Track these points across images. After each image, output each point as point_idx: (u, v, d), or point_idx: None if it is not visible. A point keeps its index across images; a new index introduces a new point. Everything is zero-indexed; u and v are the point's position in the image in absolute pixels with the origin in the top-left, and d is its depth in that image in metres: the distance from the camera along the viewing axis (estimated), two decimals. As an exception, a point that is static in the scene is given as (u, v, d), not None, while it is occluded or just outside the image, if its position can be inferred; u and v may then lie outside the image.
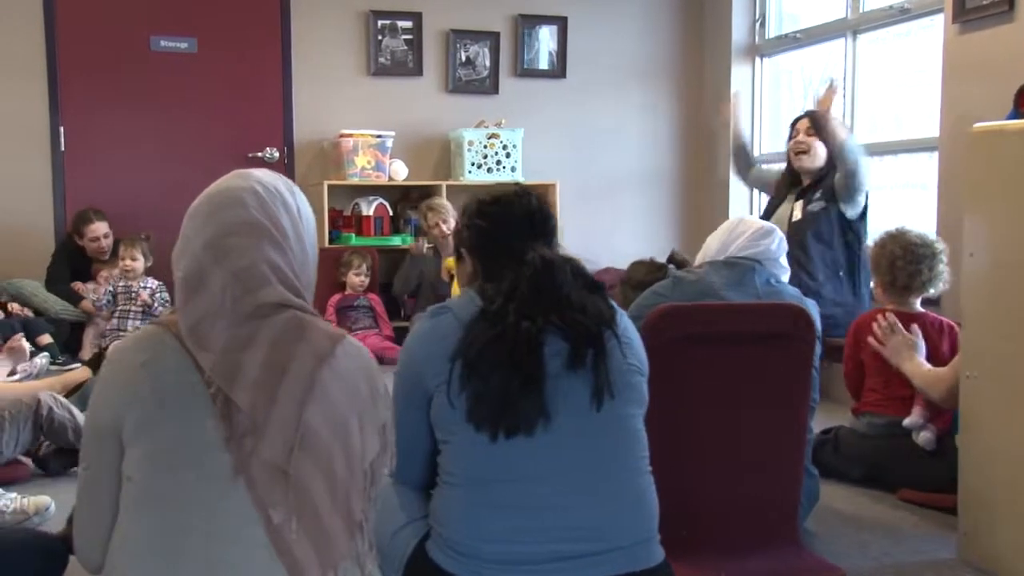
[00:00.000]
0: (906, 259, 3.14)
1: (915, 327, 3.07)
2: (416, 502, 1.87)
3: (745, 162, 5.06)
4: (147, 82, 5.88)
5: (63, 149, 5.76)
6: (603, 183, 6.54)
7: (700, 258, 2.61)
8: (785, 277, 2.56)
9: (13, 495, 2.41)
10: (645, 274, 3.03)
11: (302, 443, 1.42)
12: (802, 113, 4.33)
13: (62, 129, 5.74)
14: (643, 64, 6.67)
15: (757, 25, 6.23)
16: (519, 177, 6.09)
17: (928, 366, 3.00)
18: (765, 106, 6.31)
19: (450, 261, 5.53)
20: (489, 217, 1.91)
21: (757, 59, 6.28)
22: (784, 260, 2.56)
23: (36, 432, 2.89)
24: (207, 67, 5.98)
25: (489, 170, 6.07)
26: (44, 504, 2.48)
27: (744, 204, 6.46)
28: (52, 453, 3.01)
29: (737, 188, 6.45)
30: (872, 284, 3.25)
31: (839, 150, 4.00)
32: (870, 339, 3.08)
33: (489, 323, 1.70)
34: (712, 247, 2.59)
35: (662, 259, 3.26)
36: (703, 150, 6.70)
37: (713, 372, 2.10)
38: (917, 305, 3.25)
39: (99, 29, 5.78)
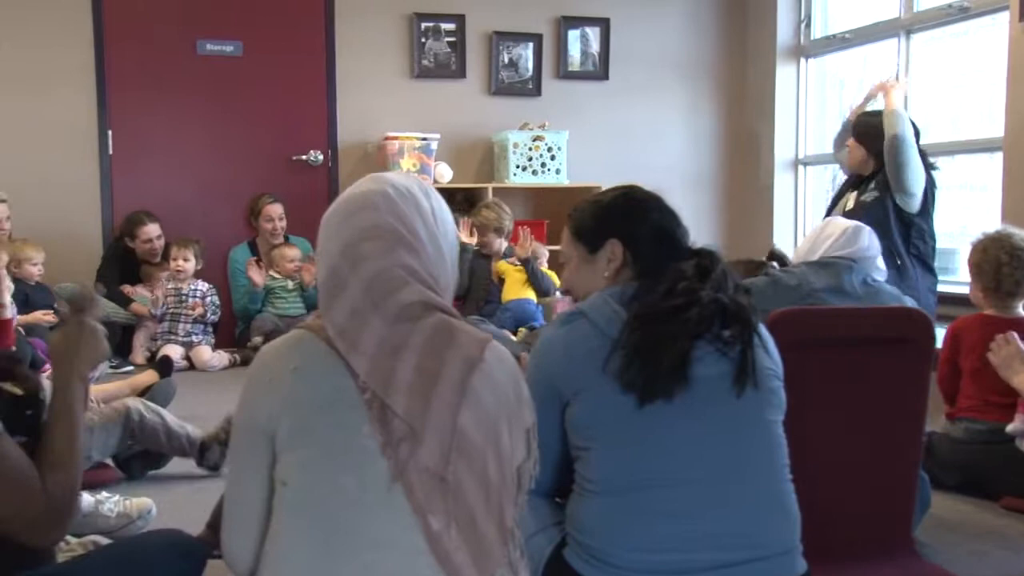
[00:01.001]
0: (1012, 264, 3.03)
1: (1013, 333, 2.99)
2: (544, 508, 1.85)
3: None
4: (193, 86, 5.89)
5: (111, 153, 5.76)
6: (646, 185, 6.46)
7: (794, 260, 2.58)
8: (881, 277, 2.53)
9: (116, 498, 2.41)
10: (744, 274, 3.00)
11: (457, 449, 1.41)
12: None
13: (110, 133, 5.74)
14: (686, 65, 6.65)
15: (802, 26, 6.20)
16: (564, 180, 6.08)
17: None
18: (810, 108, 6.28)
19: (502, 264, 5.51)
20: (652, 210, 1.89)
21: (802, 60, 6.25)
22: (881, 261, 2.52)
23: (125, 438, 2.88)
24: (252, 70, 5.97)
25: (534, 172, 6.05)
26: (147, 506, 2.47)
27: (788, 207, 6.44)
28: (134, 456, 3.00)
29: (781, 191, 6.43)
30: (971, 288, 3.17)
31: (887, 149, 3.99)
32: (989, 355, 2.94)
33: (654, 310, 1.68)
34: (802, 250, 2.56)
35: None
36: (746, 152, 6.67)
37: (830, 377, 2.07)
38: (1020, 310, 3.17)
39: (146, 33, 5.78)
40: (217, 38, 5.92)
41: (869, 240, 2.56)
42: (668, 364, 1.64)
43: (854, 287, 2.45)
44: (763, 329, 1.80)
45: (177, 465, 3.16)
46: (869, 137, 4.11)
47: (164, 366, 3.76)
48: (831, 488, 2.11)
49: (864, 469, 2.14)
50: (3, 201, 4.78)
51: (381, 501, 1.38)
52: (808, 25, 6.16)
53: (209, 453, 3.08)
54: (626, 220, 1.88)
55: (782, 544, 1.70)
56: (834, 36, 5.92)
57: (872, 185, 4.10)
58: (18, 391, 1.70)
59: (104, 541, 1.61)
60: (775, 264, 2.88)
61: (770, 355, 1.78)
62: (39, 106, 5.56)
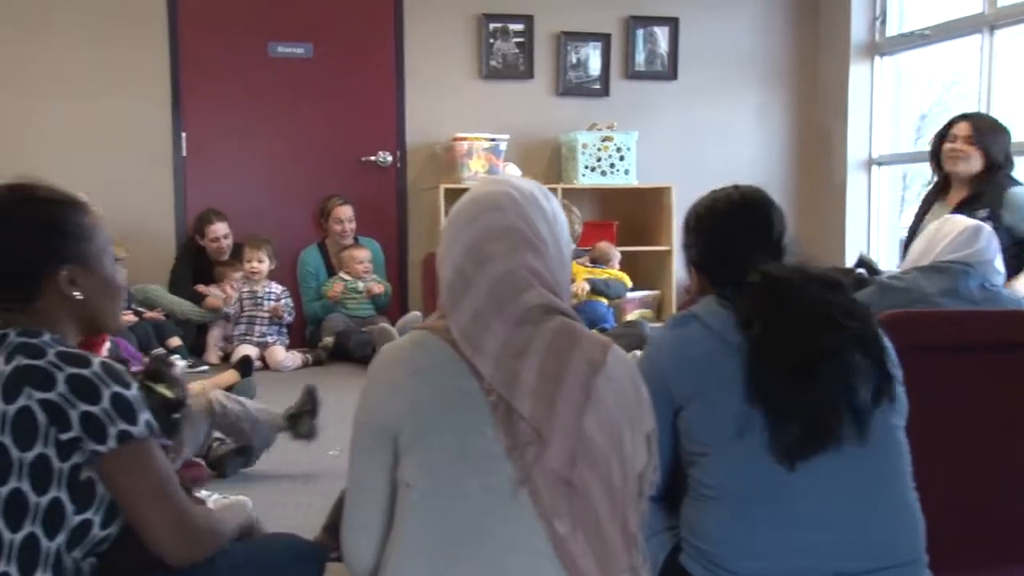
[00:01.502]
0: None
1: None
2: (656, 513, 1.81)
3: None
4: (265, 87, 5.94)
5: (184, 154, 5.83)
6: (716, 186, 6.40)
7: (905, 264, 2.51)
8: (1000, 280, 2.44)
9: (215, 496, 2.42)
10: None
11: (583, 452, 1.39)
12: (959, 115, 4.08)
13: (184, 135, 5.81)
14: (756, 64, 6.56)
15: (877, 23, 6.08)
16: (633, 180, 6.03)
17: None
18: (885, 107, 6.16)
19: (572, 266, 5.47)
20: (707, 232, 1.90)
21: (876, 58, 6.14)
22: (999, 263, 2.43)
23: (211, 431, 2.91)
24: (322, 72, 6.01)
25: (603, 173, 6.01)
26: (243, 504, 2.48)
27: (861, 209, 6.33)
28: (226, 455, 3.03)
29: (854, 191, 6.32)
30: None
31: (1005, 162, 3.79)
32: None
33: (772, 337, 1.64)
34: (916, 251, 2.48)
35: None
36: (818, 152, 6.56)
37: (955, 382, 2.01)
38: None
39: (220, 36, 5.85)
40: (288, 40, 5.97)
41: (988, 241, 2.45)
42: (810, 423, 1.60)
43: (970, 292, 2.36)
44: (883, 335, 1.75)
45: (263, 464, 3.19)
46: (991, 135, 3.82)
47: (245, 365, 3.80)
48: (954, 494, 2.05)
49: (989, 474, 2.08)
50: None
51: (506, 505, 1.37)
52: (884, 22, 6.04)
53: (300, 425, 3.10)
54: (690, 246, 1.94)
55: (909, 553, 1.65)
56: (911, 33, 5.80)
57: (983, 211, 3.63)
58: (169, 394, 1.72)
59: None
60: (863, 272, 2.80)
61: (890, 358, 1.73)
62: (116, 109, 5.65)
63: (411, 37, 6.10)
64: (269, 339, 5.37)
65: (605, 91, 6.38)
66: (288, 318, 5.49)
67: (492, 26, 6.19)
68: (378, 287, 5.67)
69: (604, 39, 6.35)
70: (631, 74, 6.42)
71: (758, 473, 1.63)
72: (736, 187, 1.99)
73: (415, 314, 5.23)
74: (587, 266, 5.48)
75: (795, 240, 1.98)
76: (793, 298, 1.67)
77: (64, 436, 1.38)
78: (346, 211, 5.78)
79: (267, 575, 1.57)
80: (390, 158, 6.13)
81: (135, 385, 1.46)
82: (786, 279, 1.70)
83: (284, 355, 5.26)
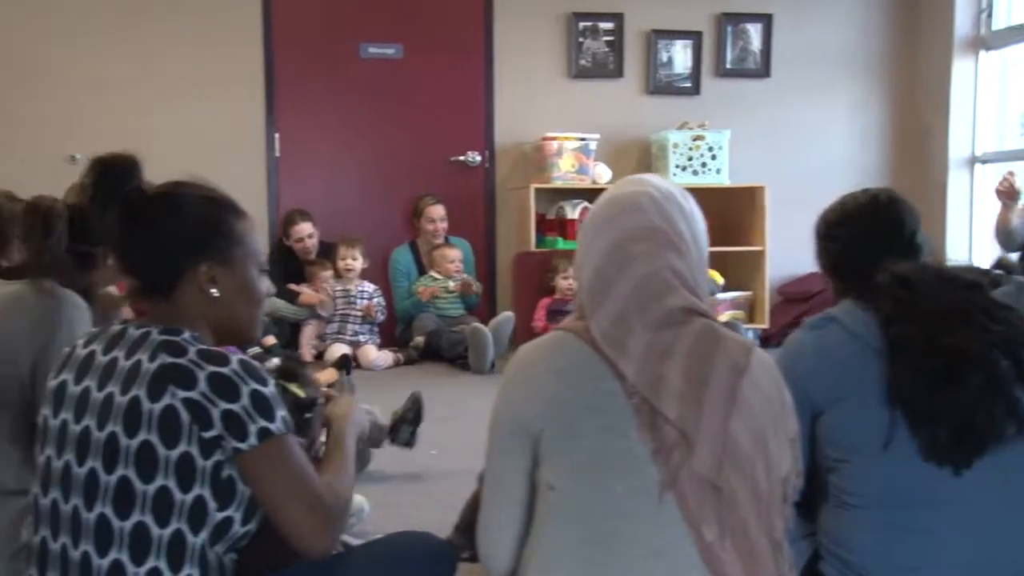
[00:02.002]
0: None
1: None
2: (793, 520, 1.76)
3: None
4: (356, 88, 5.99)
5: (277, 155, 5.91)
6: (811, 185, 6.24)
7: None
8: None
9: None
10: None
11: (729, 457, 1.35)
12: None
13: (277, 136, 5.89)
14: (853, 60, 6.40)
15: (983, 16, 5.88)
16: (725, 180, 5.93)
17: None
18: (989, 103, 5.95)
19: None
20: (838, 236, 1.90)
21: (981, 52, 5.93)
22: None
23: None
24: (412, 72, 6.04)
25: (695, 172, 5.92)
26: (358, 505, 2.48)
27: (963, 208, 6.12)
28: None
29: (956, 190, 6.13)
30: None
31: None
32: None
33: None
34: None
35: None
36: (918, 150, 6.38)
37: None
38: None
39: (313, 38, 5.92)
40: (379, 41, 6.01)
41: None
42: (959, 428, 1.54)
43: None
44: None
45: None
46: None
47: (343, 363, 3.81)
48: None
49: None
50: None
51: (652, 510, 1.33)
52: (990, 15, 5.83)
53: (400, 432, 3.08)
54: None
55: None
56: (1020, 26, 5.58)
57: None
58: (301, 394, 1.73)
59: (354, 541, 1.61)
60: (1001, 272, 2.69)
61: None
62: (212, 109, 5.75)
63: (500, 36, 6.09)
64: (361, 338, 5.41)
65: (696, 89, 6.29)
66: (380, 317, 5.52)
67: (582, 25, 6.15)
68: (474, 284, 5.66)
69: (695, 37, 6.26)
70: (722, 72, 6.32)
71: (907, 480, 1.57)
72: (865, 190, 1.98)
73: (508, 314, 5.21)
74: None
75: (928, 238, 1.93)
76: (931, 297, 1.61)
77: (207, 434, 1.38)
78: (438, 210, 5.79)
79: (402, 573, 1.56)
80: (479, 158, 6.13)
81: (272, 382, 1.46)
82: (923, 279, 1.65)
83: (376, 354, 5.29)
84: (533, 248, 5.76)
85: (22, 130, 5.53)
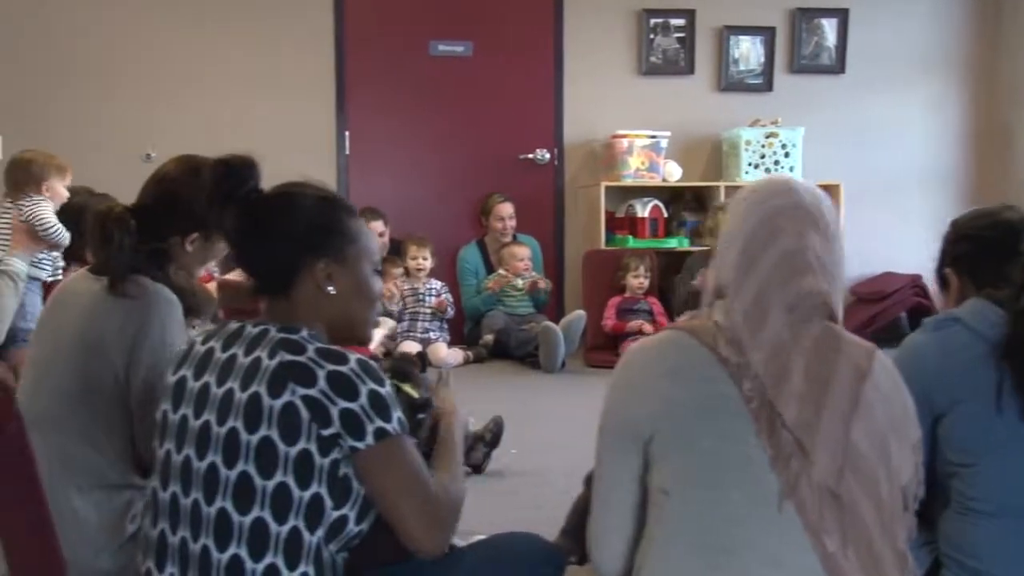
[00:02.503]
0: None
1: None
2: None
3: None
4: (425, 86, 6.00)
5: (347, 153, 5.94)
6: (885, 184, 6.17)
7: None
8: None
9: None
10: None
11: (850, 464, 1.31)
12: None
13: (347, 134, 5.92)
14: (930, 56, 6.26)
15: (1069, 10, 5.71)
16: (798, 178, 5.82)
17: None
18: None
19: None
20: (969, 233, 1.91)
21: (1067, 47, 5.77)
22: None
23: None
24: (482, 70, 6.03)
25: (767, 170, 5.83)
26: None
27: (1046, 206, 5.94)
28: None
29: (1038, 189, 5.95)
30: None
31: None
32: None
33: None
34: None
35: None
36: (998, 148, 6.22)
37: None
38: None
39: (383, 37, 5.94)
40: (449, 39, 6.01)
41: None
42: None
43: None
44: None
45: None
46: None
47: (420, 361, 3.79)
48: None
49: None
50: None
51: (771, 518, 1.29)
52: (1076, 9, 5.67)
53: (473, 452, 3.07)
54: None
55: None
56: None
57: None
58: (415, 394, 1.72)
59: (457, 541, 1.60)
60: None
61: None
62: (283, 108, 5.79)
63: (570, 33, 6.05)
64: (431, 335, 5.42)
65: (768, 86, 6.20)
66: (450, 312, 5.54)
67: (653, 21, 6.09)
68: (541, 281, 5.65)
69: (768, 32, 6.17)
70: (796, 68, 6.22)
71: None
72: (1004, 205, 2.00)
73: (579, 313, 5.17)
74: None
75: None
76: None
77: (325, 432, 1.37)
78: (507, 208, 5.78)
79: (509, 575, 1.55)
80: (548, 156, 6.10)
81: (388, 382, 1.45)
82: None
83: (446, 352, 5.29)
84: (603, 246, 5.72)
85: (100, 129, 5.63)
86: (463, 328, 5.80)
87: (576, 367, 5.18)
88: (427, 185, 6.09)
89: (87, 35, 5.66)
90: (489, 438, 3.09)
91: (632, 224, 5.84)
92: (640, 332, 5.24)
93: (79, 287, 2.00)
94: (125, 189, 3.69)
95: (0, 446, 1.25)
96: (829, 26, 6.20)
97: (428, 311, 5.45)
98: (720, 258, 1.45)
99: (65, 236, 3.11)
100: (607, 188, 5.74)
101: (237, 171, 1.52)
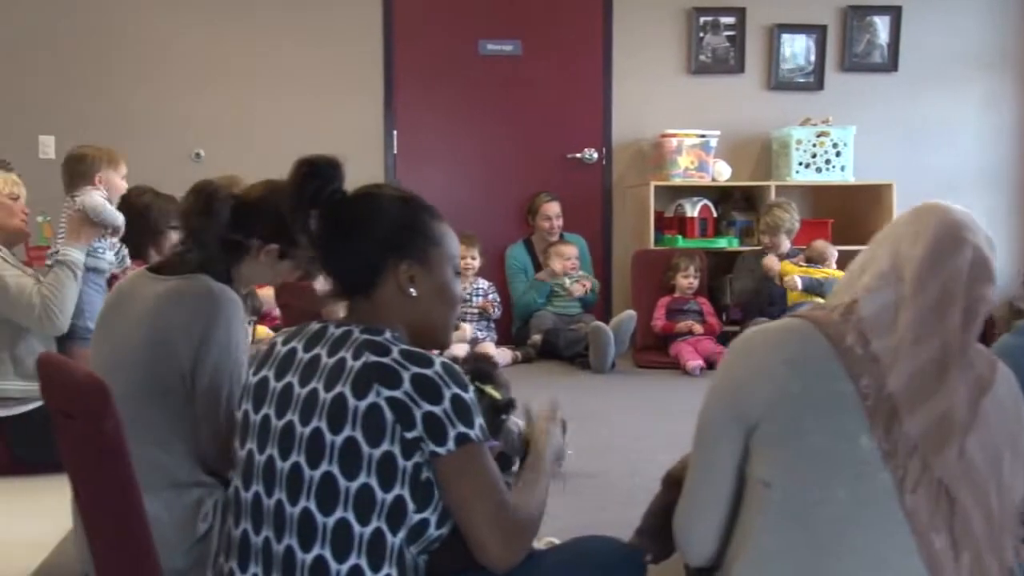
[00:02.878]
0: None
1: None
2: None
3: None
4: (473, 85, 6.00)
5: (395, 152, 5.96)
6: (939, 184, 6.06)
7: None
8: None
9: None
10: None
11: (964, 473, 1.30)
12: None
13: (395, 132, 5.94)
14: (986, 53, 6.16)
15: None
16: (850, 177, 5.76)
17: None
18: None
19: (787, 265, 5.28)
20: None
21: None
22: None
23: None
24: (530, 69, 6.02)
25: (818, 170, 5.77)
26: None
27: (1105, 206, 5.83)
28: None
29: (1097, 189, 5.84)
30: None
31: None
32: None
33: None
34: None
35: None
36: (1055, 147, 6.10)
37: None
38: None
39: (432, 36, 5.95)
40: (498, 38, 6.00)
41: None
42: None
43: None
44: None
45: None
46: None
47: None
48: None
49: None
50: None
51: (877, 518, 1.28)
52: None
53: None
54: None
55: None
56: None
57: None
58: (497, 395, 1.72)
59: (534, 545, 1.59)
60: None
61: None
62: (331, 107, 5.83)
63: (619, 32, 6.02)
64: (479, 335, 5.42)
65: (819, 84, 6.13)
66: (496, 313, 5.53)
67: (702, 19, 6.05)
68: (590, 281, 5.63)
69: (819, 30, 6.10)
70: (847, 66, 6.14)
71: None
72: None
73: (630, 313, 5.14)
74: (802, 265, 5.26)
75: None
76: None
77: (408, 434, 1.36)
78: (554, 207, 5.77)
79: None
80: (596, 155, 6.08)
81: (471, 388, 1.44)
82: None
83: (494, 351, 5.28)
84: (652, 246, 5.69)
85: (149, 129, 5.69)
86: (511, 328, 5.79)
87: (626, 367, 5.16)
88: (474, 184, 6.09)
89: (136, 35, 5.73)
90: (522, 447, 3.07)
91: (681, 224, 5.80)
92: (690, 332, 5.21)
93: (141, 290, 2.01)
94: (175, 189, 3.75)
95: (99, 443, 1.25)
96: (881, 23, 6.12)
97: (475, 310, 5.45)
98: (887, 253, 1.42)
99: (119, 217, 3.12)
100: (658, 187, 5.70)
101: (321, 171, 1.52)
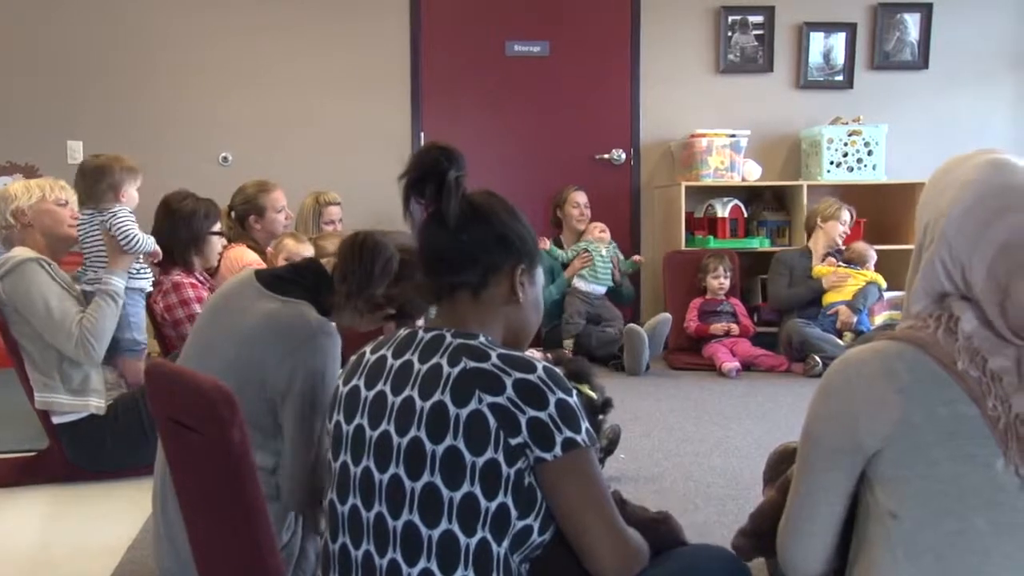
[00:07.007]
0: None
1: None
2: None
3: None
4: (501, 86, 5.97)
5: (423, 154, 5.91)
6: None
7: None
8: None
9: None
10: None
11: None
12: None
13: (422, 134, 5.90)
14: (1018, 50, 6.11)
15: None
16: (882, 176, 5.71)
17: None
18: None
19: (820, 268, 5.23)
20: None
21: None
22: None
23: None
24: (558, 70, 5.98)
25: (850, 169, 5.72)
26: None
27: None
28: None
29: None
30: None
31: None
32: None
33: None
34: None
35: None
36: (1089, 144, 6.04)
37: None
38: None
39: (459, 37, 5.92)
40: (525, 39, 5.97)
41: None
42: None
43: None
44: None
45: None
46: None
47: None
48: None
49: None
50: (337, 203, 4.98)
51: (1019, 547, 1.22)
52: None
53: None
54: None
55: None
56: None
57: None
58: (593, 395, 1.68)
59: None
60: None
61: None
62: (359, 109, 5.80)
63: (648, 32, 5.99)
64: (511, 337, 5.36)
65: (849, 83, 6.08)
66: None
67: (731, 19, 6.00)
68: (634, 256, 5.63)
69: (849, 28, 6.05)
70: (877, 64, 6.09)
71: None
72: None
73: (665, 316, 5.09)
74: (841, 266, 5.21)
75: None
76: None
77: (513, 441, 1.33)
78: (581, 196, 5.67)
79: None
80: (624, 156, 6.04)
81: (575, 392, 1.41)
82: None
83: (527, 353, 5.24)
84: (683, 247, 5.64)
85: (176, 133, 5.68)
86: (541, 329, 5.74)
87: (660, 369, 5.11)
88: (502, 185, 5.91)
89: (164, 40, 5.70)
90: (606, 444, 3.04)
91: (712, 224, 5.75)
92: (727, 334, 5.17)
93: (247, 304, 1.97)
94: (202, 192, 3.73)
95: (225, 453, 1.21)
96: (912, 21, 6.07)
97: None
98: (974, 260, 1.34)
99: (149, 242, 3.08)
100: (689, 188, 5.65)
101: (452, 155, 1.48)
